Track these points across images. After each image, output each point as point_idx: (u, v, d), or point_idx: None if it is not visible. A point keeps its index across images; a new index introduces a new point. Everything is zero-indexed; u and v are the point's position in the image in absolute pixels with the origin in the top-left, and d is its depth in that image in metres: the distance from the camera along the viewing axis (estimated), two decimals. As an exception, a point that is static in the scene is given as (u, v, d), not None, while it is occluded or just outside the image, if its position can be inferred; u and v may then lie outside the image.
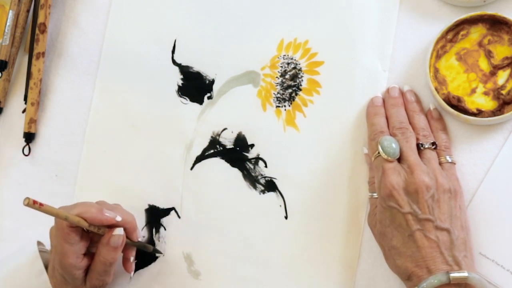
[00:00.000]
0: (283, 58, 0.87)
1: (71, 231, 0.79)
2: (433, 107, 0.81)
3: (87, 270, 0.82)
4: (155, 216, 0.89)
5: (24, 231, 0.93)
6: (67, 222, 0.78)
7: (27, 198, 0.71)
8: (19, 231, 0.93)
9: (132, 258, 0.86)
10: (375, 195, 0.79)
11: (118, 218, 0.81)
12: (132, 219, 0.84)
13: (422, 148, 0.77)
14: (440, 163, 0.78)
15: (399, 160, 0.76)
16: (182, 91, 0.90)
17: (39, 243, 0.87)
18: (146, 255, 0.89)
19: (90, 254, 0.82)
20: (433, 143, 0.78)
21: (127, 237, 0.83)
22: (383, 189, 0.74)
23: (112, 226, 0.81)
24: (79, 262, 0.80)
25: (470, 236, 0.76)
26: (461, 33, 0.80)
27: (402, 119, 0.80)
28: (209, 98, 0.89)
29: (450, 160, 0.78)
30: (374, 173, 0.79)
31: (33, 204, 0.72)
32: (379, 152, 0.76)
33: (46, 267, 0.84)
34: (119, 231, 0.81)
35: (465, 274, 0.70)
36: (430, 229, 0.72)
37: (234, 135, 0.88)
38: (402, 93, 0.82)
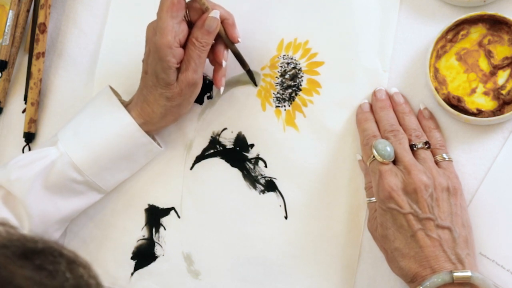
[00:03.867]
0: (283, 58, 0.87)
1: (179, 2, 0.77)
2: (423, 107, 0.81)
3: (179, 70, 0.80)
4: (155, 216, 0.89)
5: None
6: None
7: None
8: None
9: (224, 63, 0.83)
10: (373, 199, 0.79)
11: None
12: (231, 15, 0.82)
13: (415, 148, 0.77)
14: (437, 162, 0.78)
15: (394, 162, 0.76)
16: (182, 91, 0.90)
17: (111, 87, 0.86)
18: (146, 256, 0.89)
19: (183, 51, 0.80)
20: (426, 143, 0.78)
21: (226, 35, 0.82)
22: (382, 192, 0.74)
23: None
24: (176, 45, 0.78)
25: (472, 234, 0.76)
26: (461, 33, 0.80)
27: (392, 121, 0.80)
28: (209, 98, 0.89)
29: (446, 158, 0.78)
30: (370, 178, 0.79)
31: None
32: (374, 156, 0.76)
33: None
34: (215, 14, 0.79)
35: (469, 273, 0.70)
36: (431, 228, 0.72)
37: (234, 135, 0.88)
38: (390, 96, 0.82)
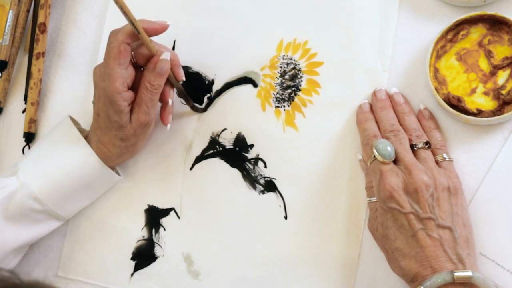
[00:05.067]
0: (283, 58, 0.87)
1: (125, 49, 0.78)
2: (423, 107, 0.81)
3: (131, 110, 0.81)
4: (155, 216, 0.89)
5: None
6: (122, 38, 0.78)
7: None
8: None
9: (170, 102, 0.84)
10: (374, 199, 0.79)
11: (168, 22, 0.81)
12: (176, 55, 0.83)
13: (415, 148, 0.77)
14: (438, 162, 0.78)
15: (395, 162, 0.76)
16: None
17: (71, 117, 0.87)
18: (146, 256, 0.89)
19: (134, 91, 0.81)
20: (427, 143, 0.78)
21: (173, 74, 0.82)
22: (383, 192, 0.74)
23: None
24: (124, 90, 0.79)
25: (472, 234, 0.76)
26: (461, 33, 0.80)
27: (393, 121, 0.80)
28: (209, 98, 0.89)
29: (447, 158, 0.78)
30: (371, 178, 0.79)
31: None
32: (374, 156, 0.76)
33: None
34: (166, 56, 0.80)
35: (469, 273, 0.70)
36: (432, 228, 0.72)
37: (234, 136, 0.88)
38: (390, 96, 0.82)
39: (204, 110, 0.89)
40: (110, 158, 0.84)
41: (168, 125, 0.85)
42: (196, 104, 0.88)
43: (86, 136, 0.84)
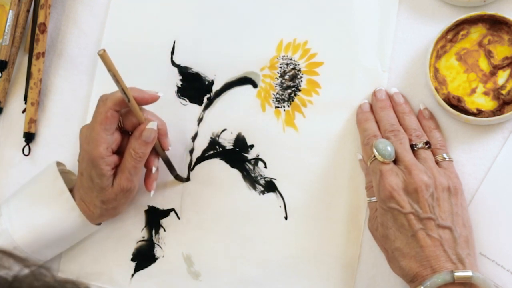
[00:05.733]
0: (282, 58, 0.87)
1: (112, 116, 0.78)
2: (423, 107, 0.81)
3: (114, 174, 0.81)
4: (155, 217, 0.89)
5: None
6: (111, 104, 0.77)
7: (103, 49, 0.71)
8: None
9: (154, 169, 0.84)
10: (374, 199, 0.79)
11: (160, 94, 0.81)
12: (164, 124, 0.83)
13: (416, 148, 0.77)
14: (438, 162, 0.78)
15: (395, 162, 0.76)
16: (182, 92, 0.90)
17: (58, 163, 0.87)
18: (146, 257, 0.89)
19: (119, 155, 0.81)
20: (427, 143, 0.78)
21: (159, 143, 0.82)
22: (383, 192, 0.74)
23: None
24: (108, 154, 0.79)
25: (472, 234, 0.76)
26: (461, 33, 0.80)
27: (393, 121, 0.80)
28: (209, 99, 0.89)
29: (447, 158, 0.78)
30: (371, 178, 0.79)
31: (106, 57, 0.71)
32: (374, 156, 0.76)
33: (69, 189, 0.83)
34: (153, 125, 0.79)
35: (469, 273, 0.70)
36: (432, 228, 0.72)
37: (234, 136, 0.88)
38: (390, 96, 0.82)
39: (188, 179, 0.89)
40: (91, 217, 0.83)
41: (152, 192, 0.85)
42: (179, 174, 0.88)
43: (71, 188, 0.84)
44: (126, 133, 0.83)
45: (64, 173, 0.86)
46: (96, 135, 0.78)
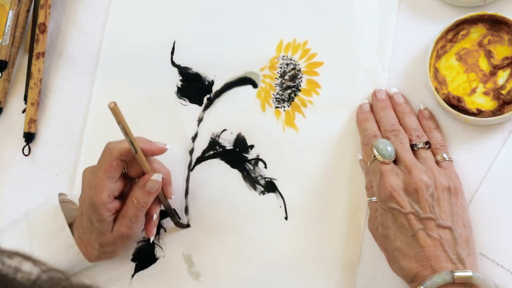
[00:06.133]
0: (282, 59, 0.87)
1: (117, 165, 0.78)
2: (423, 107, 0.81)
3: (115, 218, 0.81)
4: (155, 217, 0.89)
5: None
6: (117, 154, 0.77)
7: (113, 102, 0.70)
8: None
9: (155, 216, 0.83)
10: (374, 199, 0.79)
11: (168, 146, 0.81)
12: (169, 173, 0.82)
13: (416, 148, 0.77)
14: (438, 162, 0.78)
15: (395, 162, 0.76)
16: (182, 92, 0.90)
17: (60, 194, 0.86)
18: (146, 257, 0.89)
19: (120, 200, 0.81)
20: (427, 143, 0.78)
21: (162, 191, 0.82)
22: (383, 191, 0.74)
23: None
24: (110, 201, 0.78)
25: (472, 234, 0.76)
26: (461, 33, 0.80)
27: (393, 121, 0.80)
28: (209, 99, 0.89)
29: (447, 158, 0.78)
30: (371, 178, 0.79)
31: (117, 111, 0.70)
32: (374, 156, 0.76)
33: (69, 223, 0.83)
34: (157, 177, 0.79)
35: (469, 273, 0.70)
36: (432, 228, 0.72)
37: (234, 136, 0.88)
38: (390, 96, 0.82)
39: (188, 226, 0.88)
40: (88, 257, 0.83)
41: (152, 237, 0.85)
42: (179, 221, 0.88)
43: (71, 223, 0.84)
44: (129, 178, 0.82)
45: (65, 202, 0.86)
46: (99, 182, 0.78)
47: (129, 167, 0.81)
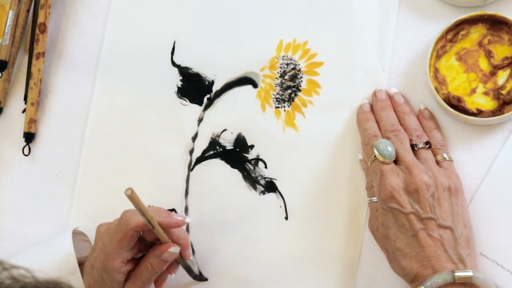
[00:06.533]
0: (282, 59, 0.87)
1: (133, 235, 0.77)
2: (423, 107, 0.81)
3: (127, 277, 0.80)
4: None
5: (25, 231, 0.92)
6: (133, 226, 0.76)
7: (130, 189, 0.68)
8: (19, 231, 0.93)
9: (173, 275, 0.83)
10: (374, 199, 0.79)
11: (188, 219, 0.80)
12: (187, 237, 0.81)
13: (416, 148, 0.77)
14: (438, 162, 0.78)
15: (395, 162, 0.76)
16: (182, 92, 0.90)
17: (75, 231, 0.85)
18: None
19: (133, 260, 0.80)
20: (427, 143, 0.78)
21: (180, 254, 0.81)
22: (383, 192, 0.74)
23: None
24: (123, 266, 0.78)
25: (473, 234, 0.76)
26: (461, 33, 0.80)
27: (393, 121, 0.80)
28: (209, 99, 0.89)
29: (447, 158, 0.78)
30: (371, 178, 0.79)
31: (135, 197, 0.69)
32: (375, 156, 0.76)
33: (78, 258, 0.82)
34: (175, 249, 0.78)
35: (470, 273, 0.70)
36: (433, 228, 0.72)
37: (234, 136, 0.88)
38: (390, 96, 0.82)
39: (206, 279, 0.87)
40: None
41: None
42: (198, 275, 0.87)
43: (81, 262, 0.82)
44: (144, 240, 0.81)
45: (76, 234, 0.85)
46: (113, 249, 0.77)
47: (145, 232, 0.80)
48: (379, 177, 0.75)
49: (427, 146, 0.78)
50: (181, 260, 0.82)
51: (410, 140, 0.78)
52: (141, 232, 0.79)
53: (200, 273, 0.87)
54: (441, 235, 0.72)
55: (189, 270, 0.85)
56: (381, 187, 0.75)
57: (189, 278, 0.87)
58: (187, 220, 0.80)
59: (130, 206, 0.89)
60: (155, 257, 0.78)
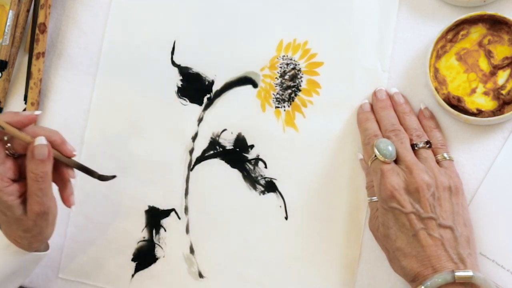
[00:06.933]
0: (282, 58, 0.87)
1: None
2: (423, 107, 0.81)
3: (25, 201, 0.76)
4: (155, 217, 0.89)
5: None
6: None
7: None
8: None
9: (68, 184, 0.79)
10: (375, 199, 0.79)
11: (37, 112, 0.76)
12: (56, 132, 0.78)
13: (416, 148, 0.77)
14: (438, 161, 0.78)
15: (396, 161, 0.76)
16: (182, 92, 0.90)
17: None
18: (146, 257, 0.89)
19: (22, 182, 0.76)
20: (427, 142, 0.78)
21: (61, 153, 0.77)
22: (384, 191, 0.74)
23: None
24: (6, 185, 0.74)
25: (473, 233, 0.76)
26: (461, 33, 0.80)
27: (393, 121, 0.80)
28: (209, 99, 0.89)
29: (447, 157, 0.78)
30: (371, 177, 0.79)
31: None
32: (375, 155, 0.76)
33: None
34: (40, 140, 0.73)
35: (470, 273, 0.70)
36: (433, 228, 0.72)
37: (234, 136, 0.88)
38: (390, 96, 0.82)
39: (114, 176, 0.84)
40: (24, 247, 0.79)
41: (73, 207, 0.81)
42: (102, 174, 0.83)
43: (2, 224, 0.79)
44: (22, 156, 0.77)
45: None
46: None
47: (13, 144, 0.77)
48: (379, 176, 0.75)
49: (428, 145, 0.78)
50: (69, 161, 0.79)
51: (411, 140, 0.78)
52: (11, 149, 0.76)
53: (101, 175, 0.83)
54: (441, 234, 0.72)
55: (86, 170, 0.81)
56: (382, 187, 0.75)
57: (189, 278, 0.87)
58: (37, 112, 0.77)
59: (129, 205, 0.90)
60: (30, 161, 0.74)
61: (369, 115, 0.82)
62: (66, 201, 0.80)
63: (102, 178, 0.82)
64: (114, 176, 0.84)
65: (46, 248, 0.85)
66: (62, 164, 0.79)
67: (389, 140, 0.77)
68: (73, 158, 0.79)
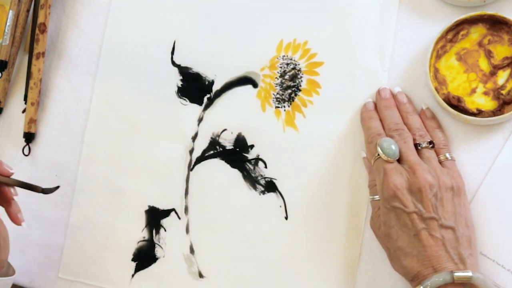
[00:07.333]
0: (283, 58, 0.87)
1: None
2: (425, 107, 0.81)
3: None
4: (155, 217, 0.89)
5: (25, 230, 0.92)
6: None
7: None
8: (19, 230, 0.93)
9: (13, 202, 0.79)
10: (377, 197, 0.79)
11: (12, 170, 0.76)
12: None
13: (419, 147, 0.77)
14: (440, 161, 0.78)
15: (399, 161, 0.76)
16: (182, 92, 0.90)
17: None
18: (146, 257, 0.89)
19: None
20: (430, 142, 0.78)
21: None
22: (386, 190, 0.74)
23: None
24: None
25: (474, 234, 0.76)
26: (461, 33, 0.80)
27: (397, 120, 0.80)
28: (209, 99, 0.89)
29: (449, 157, 0.78)
30: (374, 176, 0.79)
31: None
32: (378, 154, 0.76)
33: None
34: None
35: (469, 274, 0.70)
36: (435, 228, 0.72)
37: (234, 136, 0.88)
38: (393, 95, 0.82)
39: (57, 187, 0.84)
40: None
41: (23, 223, 0.81)
42: (45, 188, 0.83)
43: None
44: None
45: None
46: None
47: None
48: (382, 175, 0.75)
49: (431, 145, 0.78)
50: (9, 180, 0.79)
51: (414, 140, 0.78)
52: None
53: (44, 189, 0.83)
54: (443, 235, 0.72)
55: (28, 186, 0.81)
56: (384, 186, 0.75)
57: (189, 278, 0.87)
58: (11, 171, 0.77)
59: (129, 205, 0.90)
60: None
61: (373, 113, 0.82)
62: (15, 219, 0.80)
63: (46, 191, 0.83)
64: (57, 187, 0.84)
65: (13, 272, 0.84)
66: (2, 184, 0.79)
67: (392, 139, 0.77)
68: (12, 176, 0.80)
